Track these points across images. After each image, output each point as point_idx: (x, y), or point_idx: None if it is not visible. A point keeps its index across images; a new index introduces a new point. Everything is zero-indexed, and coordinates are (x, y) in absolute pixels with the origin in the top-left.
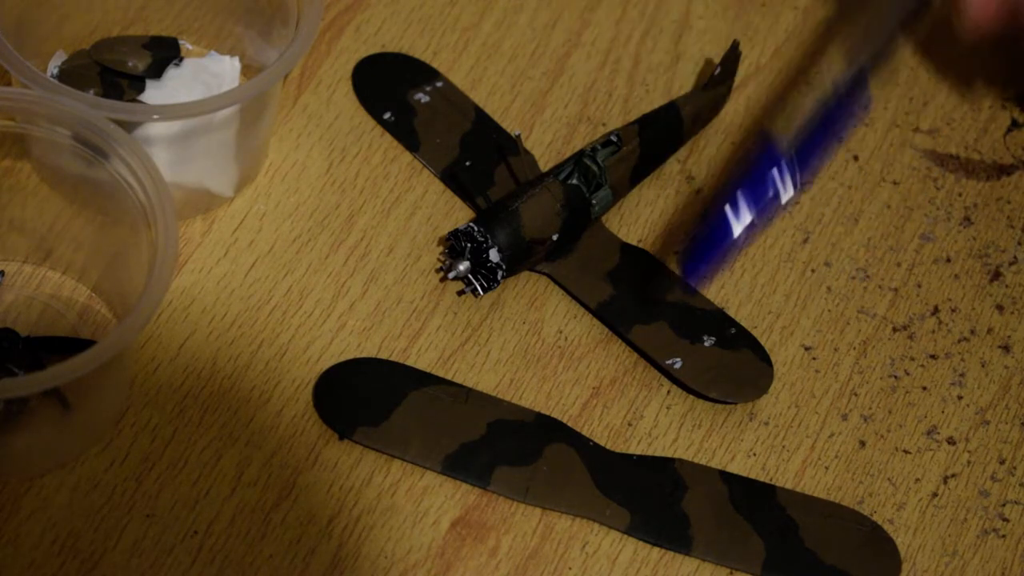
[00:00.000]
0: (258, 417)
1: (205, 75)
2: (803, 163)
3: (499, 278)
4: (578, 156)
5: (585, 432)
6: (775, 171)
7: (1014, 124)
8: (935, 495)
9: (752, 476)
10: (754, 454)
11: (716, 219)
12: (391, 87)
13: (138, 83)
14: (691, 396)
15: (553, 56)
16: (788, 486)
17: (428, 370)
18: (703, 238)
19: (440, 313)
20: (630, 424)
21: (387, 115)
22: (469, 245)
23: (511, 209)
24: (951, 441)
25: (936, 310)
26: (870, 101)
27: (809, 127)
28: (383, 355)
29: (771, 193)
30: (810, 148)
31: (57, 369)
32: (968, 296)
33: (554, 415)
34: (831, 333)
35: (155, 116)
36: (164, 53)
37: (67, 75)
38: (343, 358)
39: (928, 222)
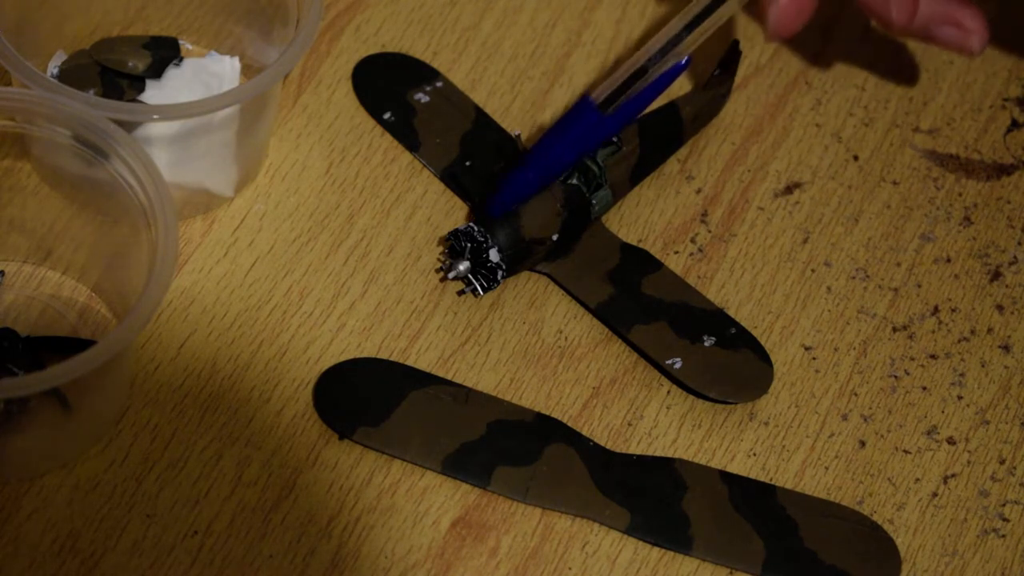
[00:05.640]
0: (258, 417)
1: (205, 75)
2: (617, 121)
3: (499, 278)
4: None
5: (585, 432)
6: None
7: (1014, 124)
8: (935, 495)
9: (752, 476)
10: (754, 454)
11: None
12: (391, 87)
13: (138, 83)
14: (691, 396)
15: (553, 56)
16: (788, 486)
17: (428, 370)
18: (506, 179)
19: (440, 313)
20: (630, 424)
21: (387, 115)
22: (469, 245)
23: (511, 209)
24: (951, 441)
25: (936, 310)
26: (688, 63)
27: (625, 88)
28: (383, 355)
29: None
30: (626, 109)
31: (57, 369)
32: (968, 296)
33: (554, 415)
34: (831, 333)
35: (155, 116)
36: (164, 53)
37: (67, 75)
38: (343, 358)
39: (928, 222)
